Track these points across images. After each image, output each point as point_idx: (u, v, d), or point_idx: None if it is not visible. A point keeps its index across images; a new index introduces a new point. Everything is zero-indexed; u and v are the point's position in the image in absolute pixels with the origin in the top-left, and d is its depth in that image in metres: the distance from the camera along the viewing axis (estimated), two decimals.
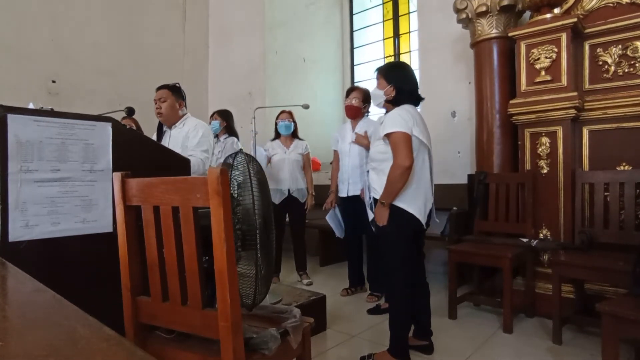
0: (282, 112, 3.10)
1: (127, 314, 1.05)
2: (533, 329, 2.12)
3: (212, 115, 3.46)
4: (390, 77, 1.75)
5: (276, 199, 2.96)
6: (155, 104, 2.16)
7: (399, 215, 1.65)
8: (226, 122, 3.21)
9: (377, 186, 1.70)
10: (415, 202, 1.66)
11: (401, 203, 1.65)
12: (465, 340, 1.99)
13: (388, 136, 1.64)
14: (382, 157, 1.68)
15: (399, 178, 1.59)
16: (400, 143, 1.59)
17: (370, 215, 1.77)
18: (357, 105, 2.61)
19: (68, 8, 3.60)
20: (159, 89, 2.19)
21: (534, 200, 2.31)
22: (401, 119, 1.63)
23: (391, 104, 1.75)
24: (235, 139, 3.16)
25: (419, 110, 1.82)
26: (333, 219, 2.78)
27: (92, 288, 1.17)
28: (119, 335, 0.44)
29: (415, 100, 1.77)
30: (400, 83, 1.73)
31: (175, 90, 2.19)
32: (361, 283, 2.85)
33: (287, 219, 3.11)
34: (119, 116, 1.58)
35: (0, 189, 1.16)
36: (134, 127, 3.24)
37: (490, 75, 2.65)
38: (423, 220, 1.69)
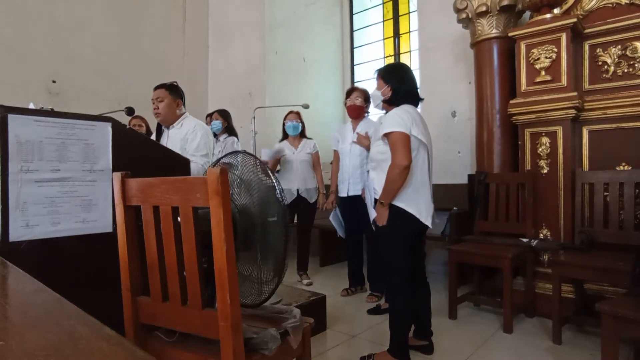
0: (290, 112, 3.10)
1: (127, 314, 1.05)
2: (533, 328, 2.12)
3: (210, 115, 3.46)
4: (387, 78, 1.76)
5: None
6: (153, 103, 2.14)
7: (399, 215, 1.65)
8: (227, 122, 3.22)
9: (377, 186, 1.70)
10: (415, 201, 1.66)
11: (401, 203, 1.65)
12: (465, 340, 1.99)
13: (387, 136, 1.65)
14: (382, 157, 1.68)
15: (397, 177, 1.59)
16: (399, 143, 1.60)
17: (372, 215, 1.77)
18: (359, 104, 2.61)
19: (68, 8, 3.60)
20: (156, 88, 2.16)
21: (534, 200, 2.31)
22: (400, 118, 1.63)
23: (389, 104, 1.76)
24: (235, 139, 3.16)
25: (419, 109, 1.82)
26: (335, 219, 2.78)
27: (92, 288, 1.17)
28: (119, 335, 0.44)
29: (414, 100, 1.77)
30: (397, 83, 1.73)
31: (173, 90, 2.16)
32: (361, 283, 2.85)
33: (295, 219, 3.10)
34: (119, 116, 1.57)
35: (0, 189, 1.16)
36: (144, 127, 3.25)
37: (490, 75, 2.65)
38: (425, 220, 1.68)
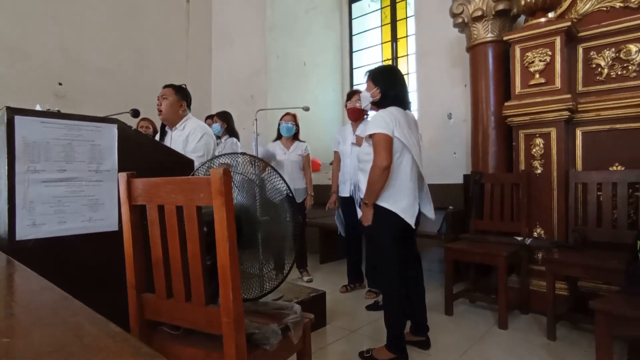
0: (287, 114, 3.14)
1: (132, 311, 1.06)
2: (528, 325, 2.15)
3: (210, 117, 3.49)
4: (377, 80, 1.79)
5: None
6: (158, 100, 2.18)
7: (383, 215, 1.69)
8: (227, 123, 3.24)
9: (363, 185, 1.74)
10: (399, 201, 1.69)
11: (384, 203, 1.68)
12: (461, 336, 2.02)
13: (370, 137, 1.69)
14: (367, 157, 1.72)
15: (378, 178, 1.63)
16: (380, 144, 1.63)
17: (359, 213, 1.80)
18: (360, 107, 2.66)
19: (74, 12, 3.64)
20: (164, 87, 2.20)
21: (528, 200, 2.34)
22: (383, 120, 1.66)
23: (377, 106, 1.79)
24: (235, 140, 3.18)
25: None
26: (338, 219, 2.83)
27: (98, 285, 1.19)
28: (124, 332, 0.44)
29: (402, 103, 1.79)
30: (386, 86, 1.77)
31: (179, 91, 2.19)
32: (360, 280, 2.88)
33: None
34: (124, 118, 1.60)
35: (7, 188, 1.18)
36: (151, 128, 3.29)
37: (486, 78, 2.69)
38: (409, 219, 1.70)
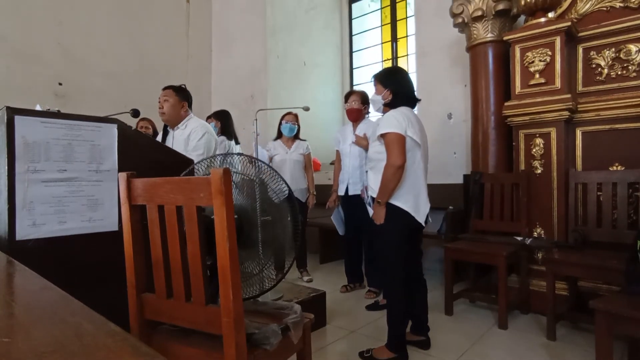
0: (289, 113, 3.14)
1: (132, 311, 1.07)
2: (528, 325, 2.15)
3: (208, 117, 3.47)
4: (386, 82, 1.81)
5: None
6: (159, 102, 2.19)
7: (395, 213, 1.70)
8: (221, 122, 3.21)
9: (374, 185, 1.75)
10: (411, 199, 1.71)
11: (396, 201, 1.70)
12: (461, 336, 2.02)
13: (383, 137, 1.70)
14: (379, 157, 1.74)
15: (392, 177, 1.65)
16: (394, 143, 1.65)
17: (370, 212, 1.81)
18: (357, 107, 2.66)
19: (74, 12, 3.65)
20: (164, 89, 2.22)
21: (528, 200, 2.34)
22: (395, 120, 1.68)
23: (389, 107, 1.81)
24: (224, 138, 3.10)
25: (416, 111, 1.87)
26: (336, 217, 2.83)
27: (98, 285, 1.19)
28: (124, 331, 0.44)
29: (412, 102, 1.83)
30: (396, 86, 1.79)
31: (180, 91, 2.21)
32: (360, 280, 2.89)
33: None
34: (124, 118, 1.61)
35: (8, 188, 1.18)
36: (150, 129, 3.29)
37: (486, 78, 2.69)
38: (419, 218, 1.72)
